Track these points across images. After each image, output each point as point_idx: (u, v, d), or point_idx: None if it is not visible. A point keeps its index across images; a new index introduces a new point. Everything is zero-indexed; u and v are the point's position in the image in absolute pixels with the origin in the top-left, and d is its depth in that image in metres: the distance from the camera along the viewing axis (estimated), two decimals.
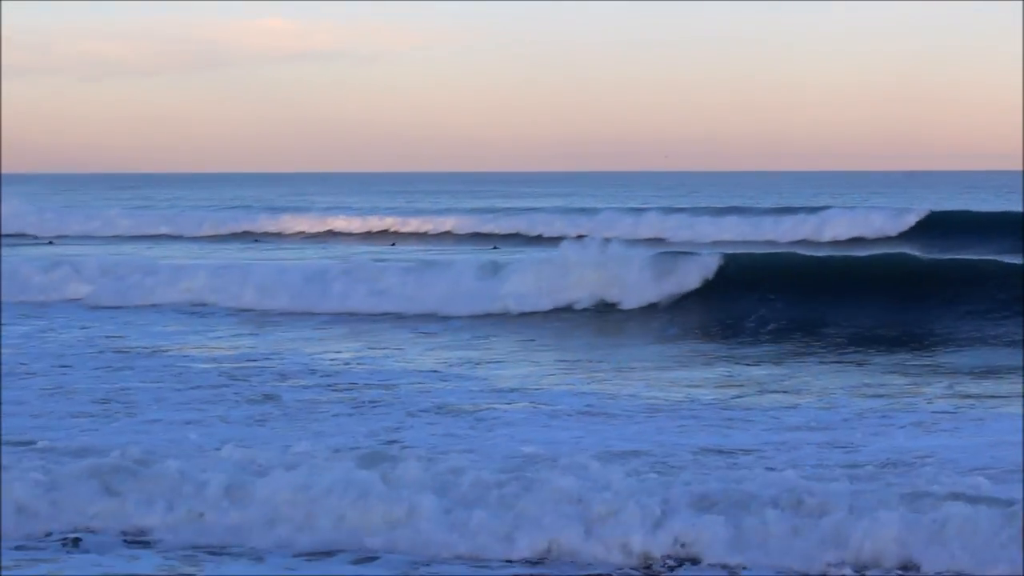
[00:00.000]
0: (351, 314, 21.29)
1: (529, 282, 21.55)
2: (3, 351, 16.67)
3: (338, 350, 17.23)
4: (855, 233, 40.51)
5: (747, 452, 10.41)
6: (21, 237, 44.82)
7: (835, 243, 39.10)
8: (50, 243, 42.46)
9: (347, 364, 15.84)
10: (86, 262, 25.68)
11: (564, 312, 20.97)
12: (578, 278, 21.40)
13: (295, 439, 10.90)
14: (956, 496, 8.26)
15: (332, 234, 47.26)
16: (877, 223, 41.30)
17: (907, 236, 39.54)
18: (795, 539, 7.96)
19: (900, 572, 7.74)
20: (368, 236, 46.36)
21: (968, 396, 13.28)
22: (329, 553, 8.25)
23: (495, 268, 22.49)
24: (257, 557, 8.23)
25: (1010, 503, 8.06)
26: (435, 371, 15.24)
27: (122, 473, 9.05)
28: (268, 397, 13.34)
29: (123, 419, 12.10)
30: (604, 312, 20.89)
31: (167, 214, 54.54)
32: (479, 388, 13.93)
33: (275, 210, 55.91)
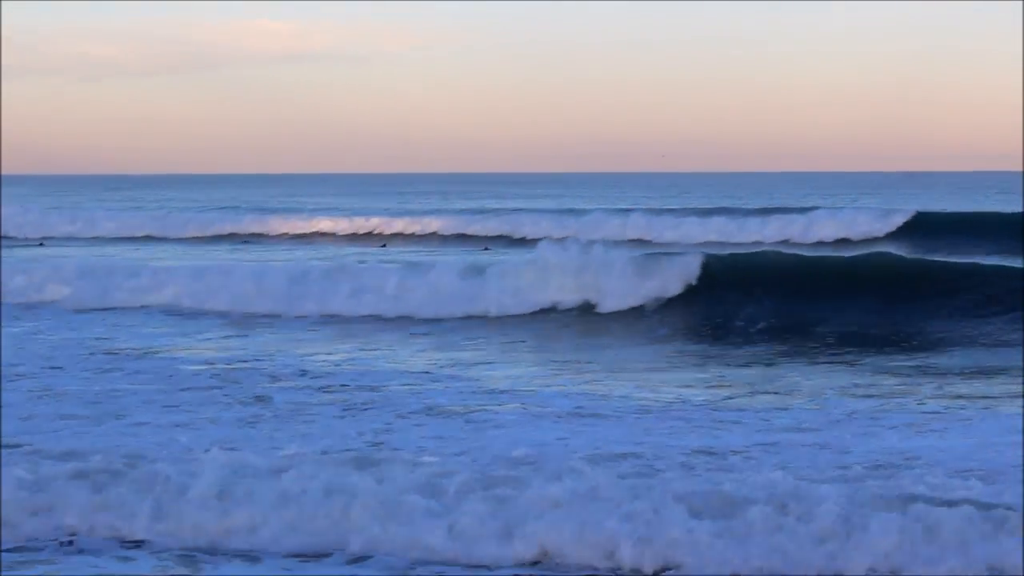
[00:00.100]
0: (332, 316, 21.27)
1: (511, 284, 21.53)
2: None
3: (328, 352, 17.25)
4: (841, 234, 40.47)
5: (737, 453, 10.43)
6: (11, 240, 44.75)
7: (820, 244, 39.10)
8: (40, 244, 42.44)
9: (338, 365, 15.87)
10: (66, 263, 25.66)
11: (549, 314, 20.92)
12: (560, 280, 21.37)
13: (286, 441, 10.95)
14: (949, 499, 8.28)
15: (323, 235, 47.24)
16: (863, 224, 41.30)
17: (894, 236, 39.53)
18: (784, 544, 7.96)
19: None
20: (360, 237, 46.32)
21: (959, 397, 13.32)
22: (322, 555, 8.30)
23: (479, 270, 22.43)
24: (253, 558, 8.28)
25: (1007, 507, 8.09)
26: (426, 372, 15.25)
27: (112, 475, 9.07)
28: (259, 399, 13.35)
29: (113, 421, 12.10)
30: (590, 314, 20.85)
31: (158, 215, 54.52)
32: (470, 389, 13.94)
33: (267, 211, 55.93)
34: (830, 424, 11.78)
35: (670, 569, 7.93)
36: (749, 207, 52.32)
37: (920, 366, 15.69)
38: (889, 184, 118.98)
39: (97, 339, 18.55)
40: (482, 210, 55.08)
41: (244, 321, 20.93)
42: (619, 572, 7.97)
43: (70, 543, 8.53)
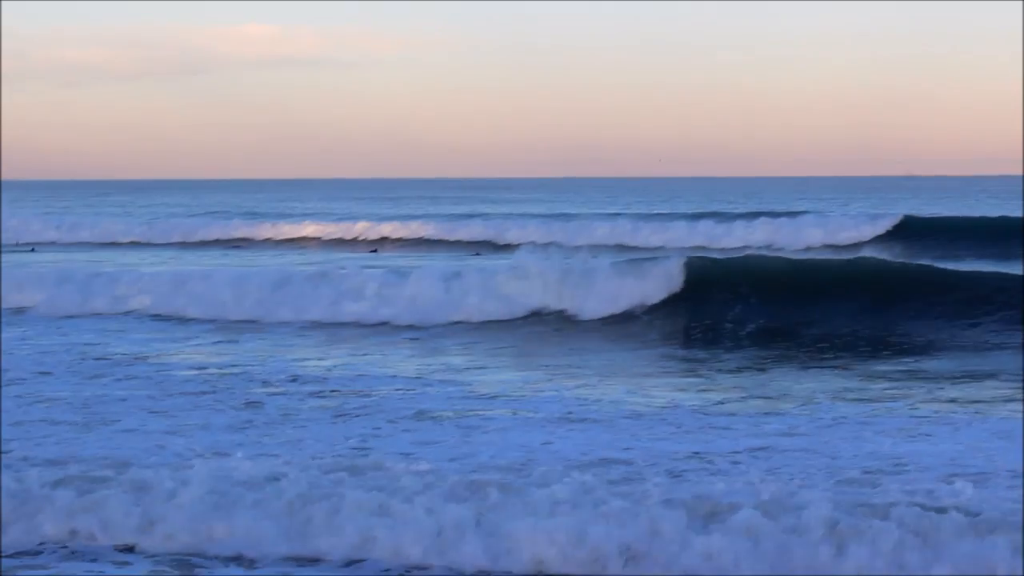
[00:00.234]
0: (317, 322, 21.21)
1: (494, 290, 21.45)
2: None
3: (319, 357, 17.24)
4: (827, 238, 40.47)
5: (728, 458, 10.45)
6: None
7: (808, 249, 39.09)
8: (32, 250, 42.39)
9: (329, 371, 15.86)
10: (47, 269, 25.60)
11: (533, 319, 20.87)
12: (543, 286, 21.30)
13: (277, 446, 10.98)
14: (939, 504, 8.30)
15: (313, 240, 47.24)
16: (850, 228, 41.36)
17: (881, 241, 39.54)
18: (774, 550, 7.96)
19: None
20: (351, 242, 46.29)
21: (949, 401, 13.35)
22: (314, 560, 8.33)
23: (462, 276, 22.37)
24: (247, 563, 8.32)
25: (997, 511, 8.13)
26: (417, 377, 15.26)
27: (101, 482, 9.09)
28: (250, 404, 13.35)
29: (103, 427, 12.08)
30: (573, 319, 20.79)
31: (146, 220, 54.56)
32: (461, 394, 13.96)
33: (256, 216, 55.95)
34: (820, 429, 11.79)
35: None
36: (737, 211, 52.38)
37: (909, 370, 15.71)
38: (879, 188, 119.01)
39: (86, 344, 18.52)
40: (473, 215, 55.10)
41: (231, 327, 20.91)
42: None
43: (65, 548, 8.56)
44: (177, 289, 23.11)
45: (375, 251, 42.44)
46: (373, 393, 14.09)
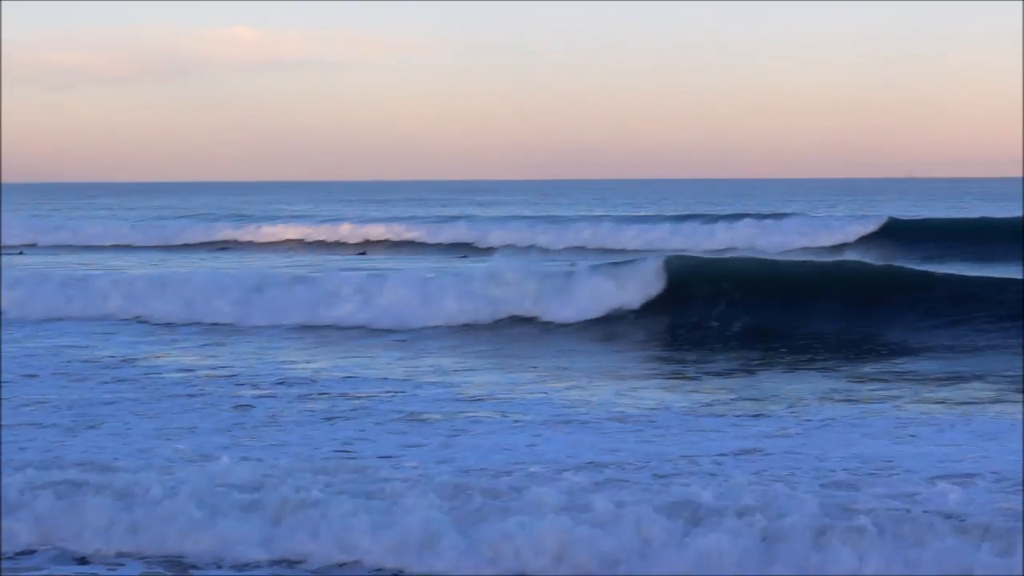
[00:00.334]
0: (301, 325, 21.16)
1: (478, 293, 21.43)
2: None
3: (306, 360, 17.25)
4: (810, 240, 40.40)
5: (714, 459, 10.48)
6: None
7: (791, 251, 39.12)
8: (20, 253, 42.31)
9: (317, 372, 15.90)
10: (21, 272, 25.57)
11: (513, 322, 20.84)
12: (522, 289, 21.29)
13: (265, 450, 11.02)
14: (927, 506, 8.36)
15: (300, 243, 47.20)
16: (834, 230, 41.42)
17: (865, 242, 39.54)
18: (762, 554, 7.97)
19: None
20: (339, 245, 46.21)
21: (938, 402, 13.41)
22: (300, 562, 8.37)
23: (440, 279, 22.35)
24: (238, 567, 8.34)
25: (983, 513, 8.19)
26: (406, 380, 15.28)
27: (87, 486, 9.09)
28: (238, 407, 13.37)
29: (89, 431, 12.09)
30: (556, 322, 20.74)
31: (133, 223, 54.56)
32: (450, 396, 14.00)
33: (244, 219, 55.92)
34: (807, 431, 11.84)
35: None
36: (721, 213, 52.46)
37: (895, 372, 15.76)
38: (875, 190, 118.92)
39: (71, 347, 18.54)
40: (461, 217, 55.10)
41: (215, 329, 20.91)
42: None
43: (55, 548, 8.62)
44: (160, 292, 23.02)
45: (363, 253, 42.41)
46: (362, 395, 14.13)
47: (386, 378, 15.57)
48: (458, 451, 11.03)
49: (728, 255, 28.68)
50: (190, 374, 15.92)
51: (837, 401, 13.62)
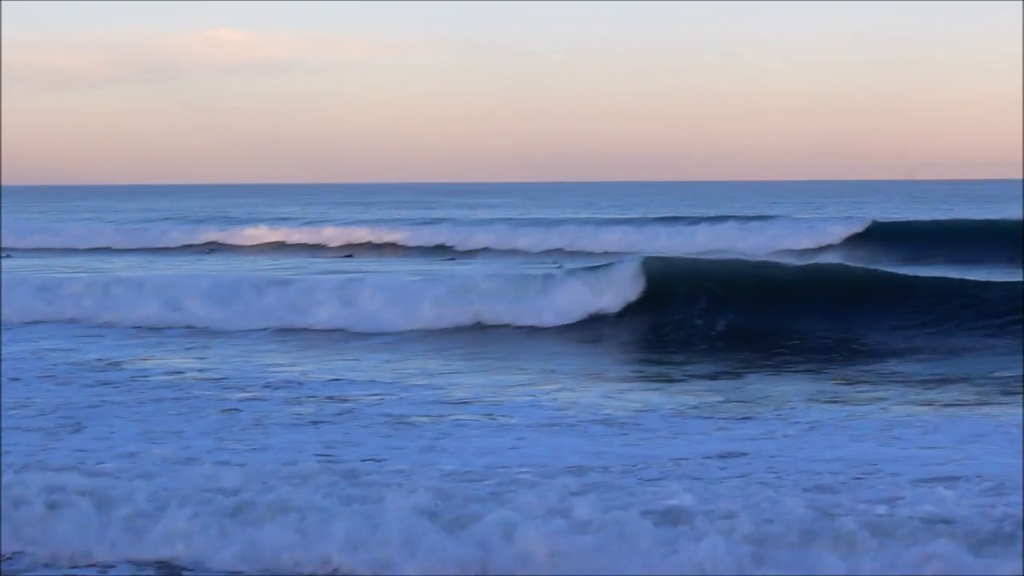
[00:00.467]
0: (278, 329, 21.10)
1: (447, 297, 21.41)
2: None
3: (291, 363, 17.25)
4: (793, 242, 40.51)
5: (701, 463, 10.50)
6: None
7: (775, 253, 39.18)
8: (8, 256, 42.17)
9: (304, 375, 15.90)
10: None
11: (493, 326, 20.78)
12: (502, 293, 21.23)
13: (251, 454, 11.03)
14: (913, 508, 8.40)
15: (287, 246, 47.17)
16: (818, 232, 41.50)
17: (848, 244, 39.61)
18: (745, 557, 7.95)
19: None
20: (326, 248, 46.14)
21: (924, 404, 13.45)
22: (289, 572, 8.37)
23: (419, 283, 22.31)
24: (229, 572, 8.37)
25: (971, 515, 8.24)
26: (392, 383, 15.28)
27: (73, 491, 9.10)
28: (225, 411, 13.35)
29: (73, 436, 12.08)
30: (537, 326, 20.68)
31: (118, 225, 54.48)
32: (436, 399, 14.01)
33: (230, 221, 55.88)
34: (794, 433, 11.88)
35: None
36: (705, 215, 52.54)
37: (880, 374, 15.81)
38: (858, 192, 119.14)
39: (56, 350, 18.50)
40: (448, 220, 55.12)
41: (198, 332, 20.88)
42: None
43: (43, 552, 8.63)
44: (141, 295, 22.95)
45: (350, 256, 42.39)
46: (349, 398, 14.14)
47: (374, 381, 15.57)
48: (443, 455, 11.04)
49: (707, 257, 28.66)
50: (177, 377, 15.90)
51: (823, 403, 13.66)
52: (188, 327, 21.45)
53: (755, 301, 20.38)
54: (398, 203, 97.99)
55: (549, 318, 20.78)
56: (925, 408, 13.24)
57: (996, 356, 17.21)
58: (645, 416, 12.87)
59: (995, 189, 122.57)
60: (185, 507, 8.82)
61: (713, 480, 9.76)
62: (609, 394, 14.40)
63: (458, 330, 20.69)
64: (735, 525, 8.18)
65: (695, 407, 13.48)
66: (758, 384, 15.27)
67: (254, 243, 47.84)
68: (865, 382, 15.24)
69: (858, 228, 41.22)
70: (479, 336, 20.28)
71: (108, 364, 17.13)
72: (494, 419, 12.84)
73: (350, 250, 44.97)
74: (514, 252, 42.03)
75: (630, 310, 20.90)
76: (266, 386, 15.10)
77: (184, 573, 8.38)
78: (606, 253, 38.99)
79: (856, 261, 27.68)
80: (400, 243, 46.20)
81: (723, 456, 10.82)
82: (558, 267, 25.28)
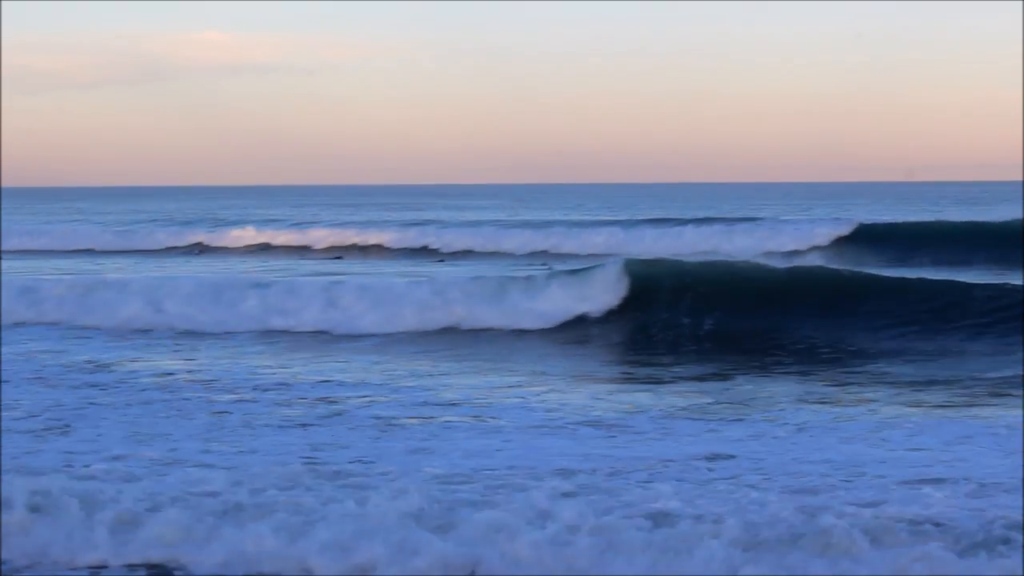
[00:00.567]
0: (262, 331, 21.01)
1: (431, 300, 21.43)
2: None
3: (280, 365, 17.22)
4: (778, 244, 40.52)
5: (687, 464, 10.50)
6: None
7: (763, 254, 39.19)
8: None
9: (294, 377, 15.89)
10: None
11: (475, 329, 20.75)
12: (486, 295, 21.24)
13: (239, 456, 11.01)
14: (902, 509, 8.43)
15: (276, 248, 47.14)
16: (805, 233, 41.54)
17: (834, 246, 39.62)
18: (736, 559, 7.95)
19: None
20: (316, 250, 46.11)
21: (913, 406, 13.47)
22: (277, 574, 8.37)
23: (403, 285, 22.27)
24: None
25: (958, 516, 8.27)
26: (381, 384, 15.29)
27: (63, 494, 9.08)
28: (215, 413, 13.34)
29: (61, 438, 12.05)
30: (521, 328, 20.69)
31: (106, 227, 54.44)
32: (424, 401, 14.01)
33: (217, 223, 55.85)
34: (783, 435, 11.90)
35: None
36: (691, 217, 52.62)
37: (868, 376, 15.83)
38: (844, 194, 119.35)
39: (44, 352, 18.46)
40: (436, 221, 55.16)
41: (183, 335, 20.83)
42: None
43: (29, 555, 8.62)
44: (126, 297, 22.86)
45: (340, 258, 42.39)
46: (338, 400, 14.14)
47: (363, 382, 15.57)
48: (432, 456, 11.03)
49: (692, 259, 28.67)
50: (165, 379, 15.88)
51: (811, 404, 13.68)
52: (174, 329, 21.36)
53: (740, 303, 20.42)
54: (388, 205, 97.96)
55: (532, 321, 20.76)
56: (913, 410, 13.27)
57: (983, 358, 17.25)
58: (633, 418, 12.88)
59: (985, 190, 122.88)
60: (172, 510, 8.82)
61: (701, 482, 9.76)
62: (598, 396, 14.42)
63: (444, 332, 20.65)
64: (723, 528, 8.18)
65: (683, 409, 13.49)
66: (746, 386, 15.30)
67: (240, 245, 47.80)
68: (853, 384, 15.26)
69: (844, 230, 41.26)
70: (467, 338, 20.28)
71: (97, 366, 17.12)
72: (483, 421, 12.85)
73: (340, 252, 44.95)
74: (500, 254, 42.05)
75: (614, 313, 20.91)
76: (255, 388, 15.09)
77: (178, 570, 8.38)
78: (591, 255, 39.06)
79: (842, 263, 27.67)
80: (389, 245, 46.19)
81: (711, 458, 10.83)
82: (548, 269, 25.31)
